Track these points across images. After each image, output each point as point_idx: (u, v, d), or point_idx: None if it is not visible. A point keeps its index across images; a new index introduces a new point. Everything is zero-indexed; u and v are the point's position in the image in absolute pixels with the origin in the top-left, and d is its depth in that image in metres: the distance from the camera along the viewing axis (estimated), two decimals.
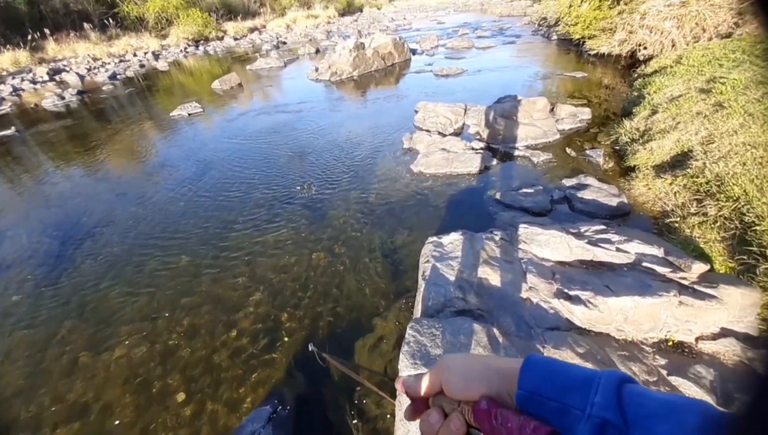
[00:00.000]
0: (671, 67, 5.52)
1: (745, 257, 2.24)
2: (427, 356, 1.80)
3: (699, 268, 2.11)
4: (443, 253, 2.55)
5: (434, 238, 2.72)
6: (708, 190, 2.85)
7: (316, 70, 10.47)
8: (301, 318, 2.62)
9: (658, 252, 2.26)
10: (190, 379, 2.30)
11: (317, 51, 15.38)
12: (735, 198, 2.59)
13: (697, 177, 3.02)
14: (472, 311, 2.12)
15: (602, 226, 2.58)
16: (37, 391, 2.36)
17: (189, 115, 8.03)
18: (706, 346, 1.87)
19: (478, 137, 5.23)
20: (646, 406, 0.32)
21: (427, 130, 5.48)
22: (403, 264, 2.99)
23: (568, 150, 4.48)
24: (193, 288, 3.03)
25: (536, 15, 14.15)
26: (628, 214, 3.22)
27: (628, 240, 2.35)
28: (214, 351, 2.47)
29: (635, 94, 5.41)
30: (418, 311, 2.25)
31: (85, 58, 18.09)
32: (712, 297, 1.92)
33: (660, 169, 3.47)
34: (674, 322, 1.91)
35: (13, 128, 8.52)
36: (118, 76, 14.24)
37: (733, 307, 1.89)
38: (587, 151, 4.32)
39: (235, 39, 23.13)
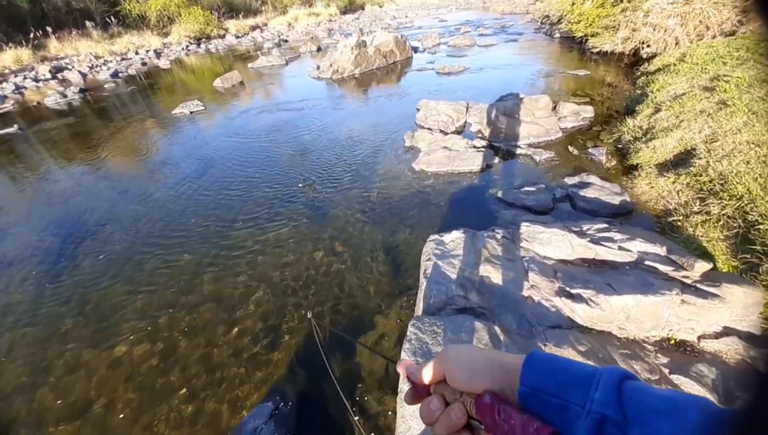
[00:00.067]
0: (675, 65, 5.49)
1: (748, 256, 2.23)
2: (429, 354, 1.80)
3: (702, 266, 2.10)
4: (445, 251, 2.55)
5: (436, 236, 2.72)
6: (711, 189, 2.83)
7: (318, 68, 10.45)
8: (303, 316, 2.62)
9: (661, 250, 2.25)
10: (191, 376, 2.31)
11: (319, 49, 15.36)
12: (738, 196, 2.57)
13: (701, 175, 3.00)
14: (474, 309, 2.12)
15: (604, 225, 2.57)
16: (40, 387, 2.37)
17: (191, 113, 8.04)
18: (709, 345, 1.87)
19: (479, 135, 5.21)
20: (646, 403, 0.32)
21: (429, 128, 5.47)
22: (405, 262, 2.99)
23: (570, 148, 4.46)
24: (195, 286, 3.04)
25: (539, 12, 14.09)
26: (630, 212, 3.21)
27: (631, 238, 2.35)
28: (216, 348, 2.47)
29: (638, 92, 5.39)
30: (419, 309, 2.25)
31: (87, 56, 18.12)
32: (715, 296, 1.91)
33: (663, 167, 3.45)
34: (676, 321, 1.90)
35: (15, 126, 8.55)
36: (120, 74, 14.26)
37: (736, 306, 1.89)
38: (590, 150, 4.31)
39: (237, 37, 23.12)
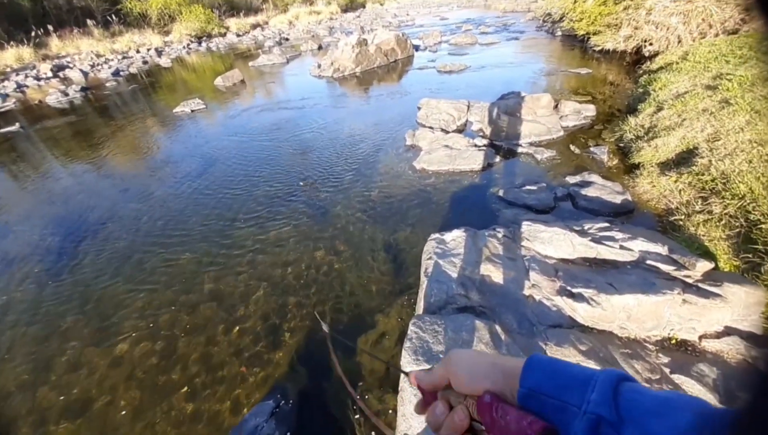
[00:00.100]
0: (677, 63, 5.47)
1: (750, 255, 2.22)
2: (430, 352, 1.80)
3: (703, 266, 2.10)
4: (446, 250, 2.55)
5: (437, 235, 2.72)
6: (713, 188, 2.82)
7: (319, 66, 10.44)
8: (304, 314, 2.63)
9: (662, 250, 2.24)
10: (192, 374, 2.32)
11: (320, 47, 15.33)
12: (741, 196, 2.57)
13: (703, 174, 2.99)
14: (475, 308, 2.12)
15: (606, 224, 2.56)
16: (41, 386, 2.38)
17: (192, 111, 8.04)
18: (710, 345, 1.86)
19: (481, 134, 5.20)
20: (640, 403, 0.33)
21: (430, 127, 5.46)
22: (406, 261, 2.99)
23: (571, 147, 4.45)
24: (195, 284, 3.04)
25: (540, 11, 14.01)
26: (632, 211, 3.20)
27: (632, 238, 2.34)
28: (217, 347, 2.48)
29: (640, 90, 5.37)
30: (420, 308, 2.25)
31: (89, 54, 18.14)
32: (717, 295, 1.91)
33: (665, 166, 3.44)
34: (678, 321, 1.90)
35: (17, 124, 8.57)
36: (122, 73, 14.28)
37: (738, 306, 1.88)
38: (591, 148, 4.30)
39: (238, 35, 23.11)
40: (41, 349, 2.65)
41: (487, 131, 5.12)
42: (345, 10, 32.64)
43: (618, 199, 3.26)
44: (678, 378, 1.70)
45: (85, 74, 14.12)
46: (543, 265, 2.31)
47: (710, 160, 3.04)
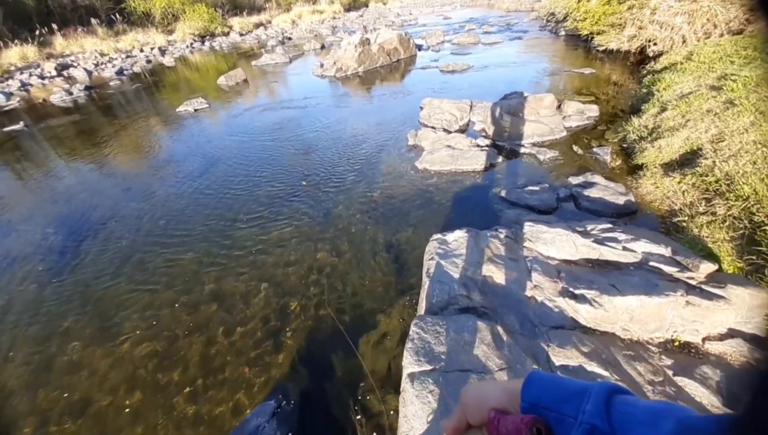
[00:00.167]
0: (681, 63, 5.43)
1: (754, 257, 2.21)
2: (431, 353, 1.80)
3: (707, 267, 2.09)
4: (448, 251, 2.55)
5: (439, 236, 2.71)
6: (717, 189, 2.81)
7: (321, 66, 10.44)
8: (305, 314, 2.63)
9: (666, 251, 2.23)
10: (194, 374, 2.33)
11: (322, 47, 15.33)
12: (745, 197, 2.55)
13: (707, 175, 2.98)
14: (477, 309, 2.11)
15: (609, 225, 2.56)
16: (42, 386, 2.39)
17: (195, 110, 8.06)
18: (713, 347, 1.86)
19: (483, 134, 5.19)
20: (631, 414, 0.35)
21: (432, 127, 5.45)
22: (408, 261, 2.99)
23: (574, 147, 4.43)
24: (197, 285, 3.05)
25: (544, 10, 13.97)
26: (635, 212, 3.19)
27: (635, 239, 2.33)
28: (218, 347, 2.49)
29: (644, 90, 5.34)
30: (422, 308, 2.25)
31: (93, 53, 18.21)
32: (720, 297, 1.90)
33: (668, 167, 3.42)
34: (681, 322, 1.89)
35: (21, 123, 8.62)
36: (125, 72, 14.33)
37: (741, 308, 1.87)
38: (594, 149, 4.28)
39: (241, 34, 23.14)
40: (42, 349, 2.66)
41: (490, 131, 5.11)
42: (348, 10, 32.62)
43: (621, 200, 3.25)
44: (681, 380, 1.70)
45: (89, 73, 14.18)
46: (545, 266, 2.31)
47: (714, 161, 3.02)
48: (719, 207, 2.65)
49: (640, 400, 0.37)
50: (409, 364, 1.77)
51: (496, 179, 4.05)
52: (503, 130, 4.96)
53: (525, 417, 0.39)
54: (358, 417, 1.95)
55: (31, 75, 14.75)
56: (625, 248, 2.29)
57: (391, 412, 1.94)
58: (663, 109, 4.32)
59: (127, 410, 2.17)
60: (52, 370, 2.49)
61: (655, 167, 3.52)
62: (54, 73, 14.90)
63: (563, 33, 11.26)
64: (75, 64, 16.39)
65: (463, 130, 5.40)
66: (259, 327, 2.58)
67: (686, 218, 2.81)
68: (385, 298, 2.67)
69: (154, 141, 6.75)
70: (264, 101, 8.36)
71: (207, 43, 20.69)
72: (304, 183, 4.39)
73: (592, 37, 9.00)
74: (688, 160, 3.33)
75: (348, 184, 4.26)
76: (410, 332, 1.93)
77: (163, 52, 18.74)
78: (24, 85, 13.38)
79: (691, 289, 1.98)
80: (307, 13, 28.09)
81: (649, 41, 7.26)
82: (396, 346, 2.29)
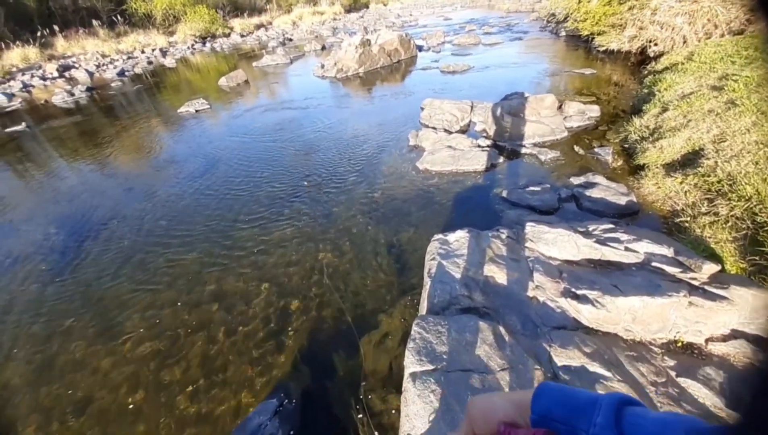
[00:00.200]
0: (682, 63, 5.43)
1: (756, 258, 2.20)
2: (433, 353, 1.80)
3: (709, 268, 2.08)
4: (449, 251, 2.54)
5: (440, 236, 2.71)
6: (719, 190, 2.80)
7: (322, 66, 10.46)
8: (307, 314, 2.63)
9: (668, 252, 2.23)
10: (196, 373, 2.33)
11: (323, 48, 15.36)
12: (747, 197, 2.55)
13: (709, 176, 2.97)
14: (478, 309, 2.11)
15: (611, 225, 2.55)
16: (44, 384, 2.40)
17: (196, 111, 8.08)
18: (716, 348, 1.85)
19: (484, 134, 5.19)
20: (640, 425, 0.35)
21: (433, 128, 5.46)
22: (409, 261, 2.98)
23: (576, 148, 4.43)
24: (198, 285, 3.05)
25: (544, 11, 13.99)
26: (637, 213, 3.19)
27: (637, 239, 2.33)
28: (220, 346, 2.49)
29: (645, 91, 5.34)
30: (423, 308, 2.25)
31: (94, 54, 18.25)
32: (723, 298, 1.89)
33: (670, 167, 3.42)
34: (683, 323, 1.89)
35: (23, 124, 8.65)
36: (127, 73, 14.37)
37: (744, 309, 1.86)
38: (596, 149, 4.28)
39: (242, 36, 23.18)
40: (44, 348, 2.67)
41: (491, 132, 5.11)
42: (348, 11, 32.67)
43: (623, 201, 3.24)
44: (684, 381, 1.69)
45: (91, 74, 14.22)
46: (547, 266, 2.30)
47: (716, 162, 3.01)
48: (721, 207, 2.64)
49: (650, 411, 0.37)
50: (411, 364, 1.77)
51: (498, 180, 4.05)
52: (504, 131, 4.96)
53: (537, 431, 0.39)
54: (360, 416, 1.95)
55: (32, 76, 14.78)
56: (627, 249, 2.29)
57: (393, 412, 1.94)
58: (664, 110, 4.32)
59: (130, 409, 2.18)
60: (54, 369, 2.49)
61: (657, 167, 3.52)
62: (56, 74, 14.94)
63: (564, 34, 11.26)
64: (76, 65, 16.44)
65: (464, 131, 5.40)
66: (261, 327, 2.58)
67: (688, 219, 2.80)
68: (387, 298, 2.67)
69: (156, 142, 6.76)
70: (265, 102, 8.37)
71: (208, 45, 20.74)
72: (305, 183, 4.40)
73: (593, 38, 9.01)
74: (689, 161, 3.33)
75: (349, 185, 4.26)
76: (412, 332, 1.93)
77: (164, 53, 18.78)
78: (26, 86, 13.42)
79: (693, 289, 1.97)
80: (307, 14, 28.15)
81: (650, 42, 7.26)
82: (398, 345, 2.29)
